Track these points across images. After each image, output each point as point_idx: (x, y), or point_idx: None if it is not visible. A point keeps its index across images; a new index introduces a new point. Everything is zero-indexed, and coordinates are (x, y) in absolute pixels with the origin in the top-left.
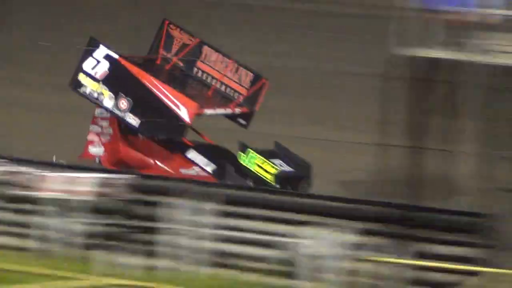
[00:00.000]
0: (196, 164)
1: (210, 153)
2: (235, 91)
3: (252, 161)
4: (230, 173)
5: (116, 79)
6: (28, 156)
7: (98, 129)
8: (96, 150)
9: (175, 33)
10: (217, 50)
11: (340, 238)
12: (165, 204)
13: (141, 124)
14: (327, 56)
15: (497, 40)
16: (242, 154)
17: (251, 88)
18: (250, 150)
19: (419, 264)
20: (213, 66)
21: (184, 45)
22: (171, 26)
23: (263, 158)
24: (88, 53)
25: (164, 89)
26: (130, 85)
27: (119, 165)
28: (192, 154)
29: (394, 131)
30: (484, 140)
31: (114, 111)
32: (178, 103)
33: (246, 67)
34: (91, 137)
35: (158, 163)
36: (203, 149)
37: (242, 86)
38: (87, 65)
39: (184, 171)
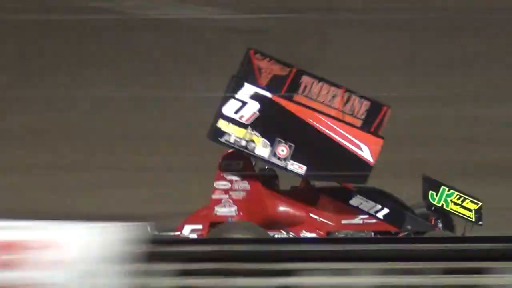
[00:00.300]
0: (363, 212)
1: (376, 197)
2: (349, 124)
3: (448, 199)
4: (411, 216)
5: (271, 122)
6: None
7: (227, 185)
8: (226, 210)
9: (263, 63)
10: (321, 80)
11: None
12: None
13: (308, 171)
14: None
15: None
16: (435, 192)
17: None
18: (445, 187)
19: None
20: (316, 98)
21: (277, 77)
22: (257, 56)
23: (460, 193)
24: (229, 94)
25: (337, 127)
26: (290, 127)
27: (263, 223)
28: (357, 201)
29: None
30: None
31: (271, 161)
32: (357, 141)
33: (361, 96)
34: (218, 195)
35: (314, 216)
36: (368, 193)
37: (356, 117)
38: (229, 108)
39: (347, 221)
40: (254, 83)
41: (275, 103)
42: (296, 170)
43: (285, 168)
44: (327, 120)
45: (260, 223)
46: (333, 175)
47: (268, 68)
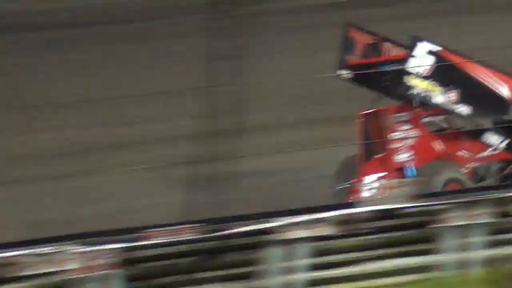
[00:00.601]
0: (490, 145)
1: (504, 131)
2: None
3: None
4: None
5: (443, 73)
6: None
7: (400, 135)
8: (403, 156)
9: (356, 35)
10: (399, 45)
11: None
12: None
13: (471, 112)
14: None
15: None
16: None
17: None
18: None
19: None
20: None
21: (369, 45)
22: (350, 29)
23: None
24: (409, 54)
25: (486, 72)
26: (456, 76)
27: (430, 163)
28: (487, 136)
29: None
30: None
31: (445, 106)
32: (500, 82)
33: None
34: (394, 144)
35: (461, 152)
36: (498, 129)
37: None
38: (411, 65)
39: (479, 155)
40: (353, 53)
41: (443, 56)
42: (462, 112)
43: (454, 111)
44: (480, 67)
45: (429, 162)
46: (486, 114)
47: (361, 38)
